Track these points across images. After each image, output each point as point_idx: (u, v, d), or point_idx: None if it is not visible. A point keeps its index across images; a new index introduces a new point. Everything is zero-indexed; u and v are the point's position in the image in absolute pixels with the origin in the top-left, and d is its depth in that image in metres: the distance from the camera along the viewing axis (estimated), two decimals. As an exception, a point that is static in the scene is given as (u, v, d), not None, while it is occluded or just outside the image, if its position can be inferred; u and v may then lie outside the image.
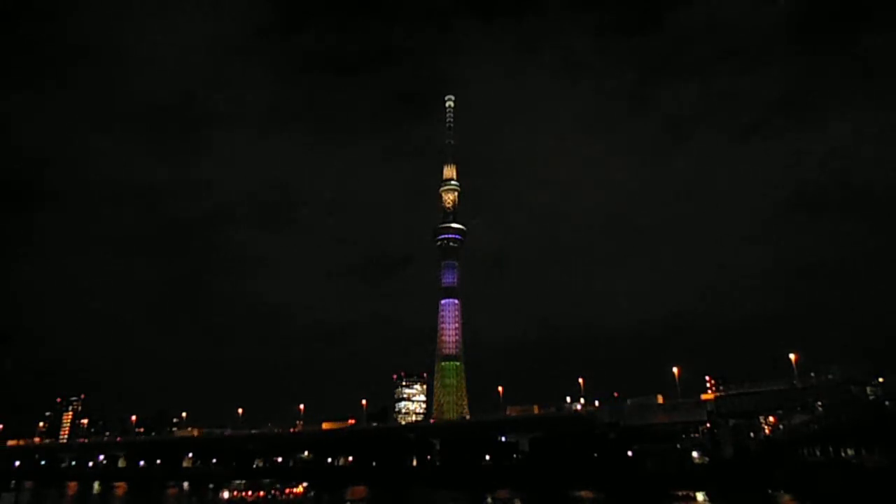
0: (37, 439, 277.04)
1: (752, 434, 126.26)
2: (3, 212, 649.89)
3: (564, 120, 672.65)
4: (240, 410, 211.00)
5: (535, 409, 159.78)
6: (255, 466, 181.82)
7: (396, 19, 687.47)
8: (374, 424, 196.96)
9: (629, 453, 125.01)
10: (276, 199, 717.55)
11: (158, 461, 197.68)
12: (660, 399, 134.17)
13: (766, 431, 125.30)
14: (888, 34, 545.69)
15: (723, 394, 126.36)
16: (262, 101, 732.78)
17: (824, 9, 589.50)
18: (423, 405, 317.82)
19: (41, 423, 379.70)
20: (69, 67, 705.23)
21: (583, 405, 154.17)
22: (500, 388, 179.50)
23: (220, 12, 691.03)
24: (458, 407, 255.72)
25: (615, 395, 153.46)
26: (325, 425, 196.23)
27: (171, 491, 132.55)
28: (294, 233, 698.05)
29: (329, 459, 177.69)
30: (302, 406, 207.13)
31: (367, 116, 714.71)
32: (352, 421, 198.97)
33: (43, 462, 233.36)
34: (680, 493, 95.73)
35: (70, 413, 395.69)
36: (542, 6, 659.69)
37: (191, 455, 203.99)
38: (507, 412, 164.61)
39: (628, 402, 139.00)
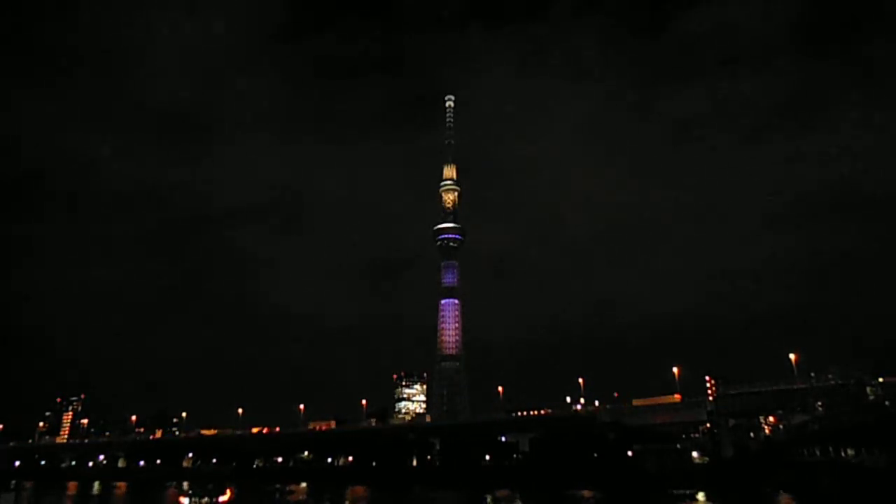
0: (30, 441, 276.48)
1: (752, 434, 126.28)
2: (5, 213, 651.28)
3: (569, 123, 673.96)
4: (240, 410, 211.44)
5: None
6: (255, 466, 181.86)
7: (404, 24, 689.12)
8: (374, 423, 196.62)
9: (629, 453, 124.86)
10: (279, 200, 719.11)
11: (158, 461, 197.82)
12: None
13: (766, 431, 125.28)
14: (890, 38, 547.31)
15: (723, 393, 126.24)
16: (268, 103, 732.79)
17: (827, 14, 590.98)
18: (423, 405, 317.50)
19: (41, 423, 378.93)
20: (75, 70, 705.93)
21: (583, 405, 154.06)
22: (500, 388, 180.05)
23: (228, 16, 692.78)
24: (457, 407, 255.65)
25: (615, 395, 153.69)
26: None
27: (171, 491, 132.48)
28: (296, 233, 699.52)
29: (329, 459, 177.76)
30: (302, 406, 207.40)
31: (371, 119, 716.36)
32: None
33: (43, 462, 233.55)
34: (680, 493, 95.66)
35: (70, 413, 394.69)
36: (548, 11, 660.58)
37: (191, 455, 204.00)
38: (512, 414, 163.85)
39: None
